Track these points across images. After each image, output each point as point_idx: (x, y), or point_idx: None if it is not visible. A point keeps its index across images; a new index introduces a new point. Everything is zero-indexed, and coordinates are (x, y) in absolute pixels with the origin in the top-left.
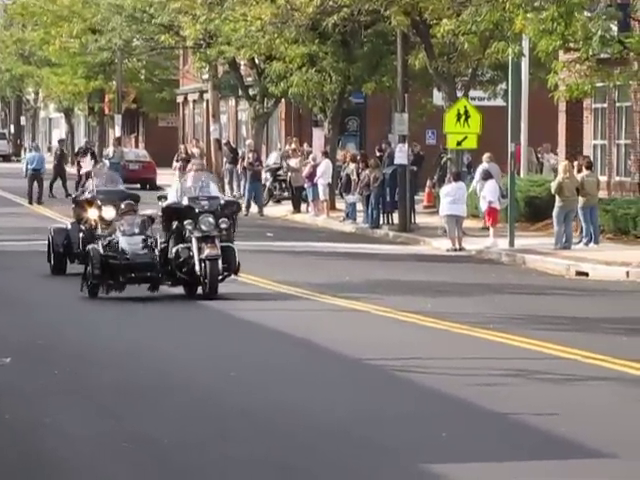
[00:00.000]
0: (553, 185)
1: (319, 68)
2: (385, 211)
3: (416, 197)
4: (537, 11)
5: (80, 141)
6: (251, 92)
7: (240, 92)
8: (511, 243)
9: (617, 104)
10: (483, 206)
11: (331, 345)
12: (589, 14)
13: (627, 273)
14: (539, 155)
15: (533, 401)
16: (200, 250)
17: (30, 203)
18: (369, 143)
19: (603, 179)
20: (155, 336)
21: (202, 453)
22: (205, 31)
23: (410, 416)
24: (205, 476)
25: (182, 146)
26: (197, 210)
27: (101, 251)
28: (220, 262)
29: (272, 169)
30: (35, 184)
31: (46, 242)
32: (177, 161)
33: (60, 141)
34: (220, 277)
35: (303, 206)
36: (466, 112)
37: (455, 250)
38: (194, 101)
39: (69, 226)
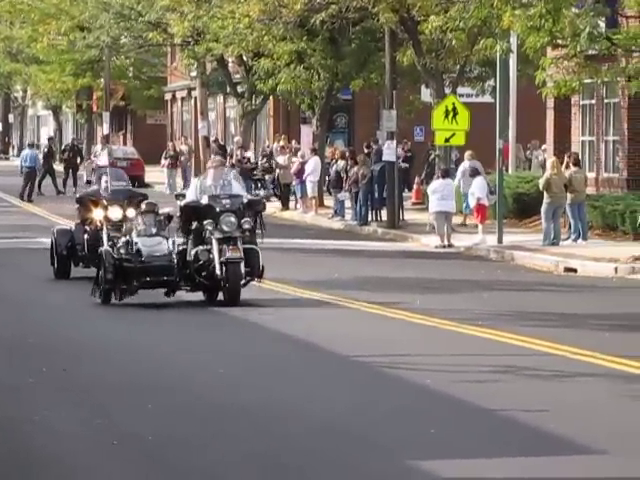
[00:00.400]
0: (541, 181)
1: (307, 65)
2: (374, 208)
3: (404, 194)
4: (525, 8)
5: (68, 139)
6: (239, 89)
7: (228, 89)
8: (500, 240)
9: (605, 100)
10: (472, 203)
11: (319, 342)
12: (577, 10)
13: (615, 269)
14: (528, 152)
15: (522, 397)
16: (221, 252)
17: (22, 199)
18: (357, 140)
19: (591, 175)
20: (152, 333)
21: (192, 451)
22: (193, 28)
23: (399, 412)
24: (198, 474)
25: (170, 143)
26: (218, 209)
27: (114, 254)
28: (242, 265)
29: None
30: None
31: (45, 242)
32: (165, 158)
33: (50, 139)
34: (242, 282)
35: (292, 203)
36: (454, 109)
37: (444, 247)
38: (182, 98)
39: (73, 227)
